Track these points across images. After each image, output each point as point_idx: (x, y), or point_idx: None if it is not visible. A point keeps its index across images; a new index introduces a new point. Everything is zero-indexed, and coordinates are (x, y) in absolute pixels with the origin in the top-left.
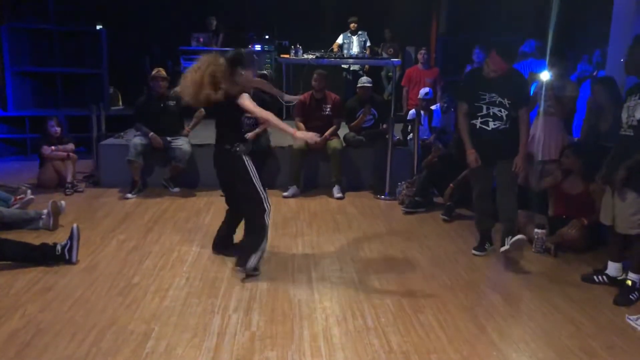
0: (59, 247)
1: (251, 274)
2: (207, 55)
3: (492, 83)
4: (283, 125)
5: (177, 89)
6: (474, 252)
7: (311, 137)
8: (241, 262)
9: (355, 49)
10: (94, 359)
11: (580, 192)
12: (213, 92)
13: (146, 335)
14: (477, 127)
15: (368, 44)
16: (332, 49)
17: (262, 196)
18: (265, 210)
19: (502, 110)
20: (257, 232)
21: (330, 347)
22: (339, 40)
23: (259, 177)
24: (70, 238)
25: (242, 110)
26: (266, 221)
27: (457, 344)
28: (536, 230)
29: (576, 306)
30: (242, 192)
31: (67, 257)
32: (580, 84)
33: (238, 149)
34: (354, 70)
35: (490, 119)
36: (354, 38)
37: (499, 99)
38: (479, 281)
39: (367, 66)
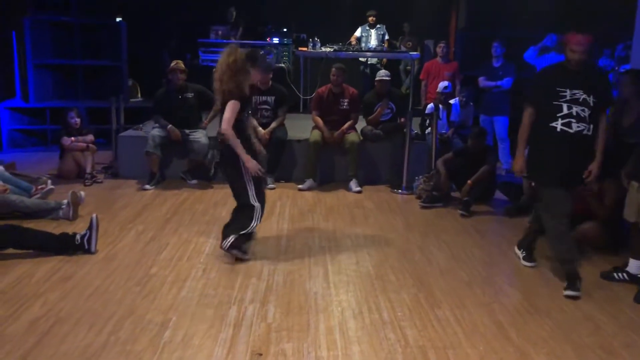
0: (78, 237)
1: (235, 254)
2: (229, 46)
3: (574, 77)
4: (239, 149)
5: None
6: (565, 292)
7: (255, 171)
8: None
9: (373, 42)
10: (112, 348)
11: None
12: (224, 79)
13: (163, 325)
14: (558, 129)
15: (386, 37)
16: (350, 42)
17: (250, 194)
18: (254, 207)
19: (586, 110)
20: (242, 222)
21: (346, 341)
22: (357, 33)
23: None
24: (90, 228)
25: (243, 107)
26: (253, 217)
27: (473, 340)
28: None
29: (595, 304)
30: (233, 186)
31: (86, 246)
32: None
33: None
34: (371, 64)
35: (574, 120)
36: (372, 31)
37: (584, 96)
38: (497, 277)
39: (384, 59)
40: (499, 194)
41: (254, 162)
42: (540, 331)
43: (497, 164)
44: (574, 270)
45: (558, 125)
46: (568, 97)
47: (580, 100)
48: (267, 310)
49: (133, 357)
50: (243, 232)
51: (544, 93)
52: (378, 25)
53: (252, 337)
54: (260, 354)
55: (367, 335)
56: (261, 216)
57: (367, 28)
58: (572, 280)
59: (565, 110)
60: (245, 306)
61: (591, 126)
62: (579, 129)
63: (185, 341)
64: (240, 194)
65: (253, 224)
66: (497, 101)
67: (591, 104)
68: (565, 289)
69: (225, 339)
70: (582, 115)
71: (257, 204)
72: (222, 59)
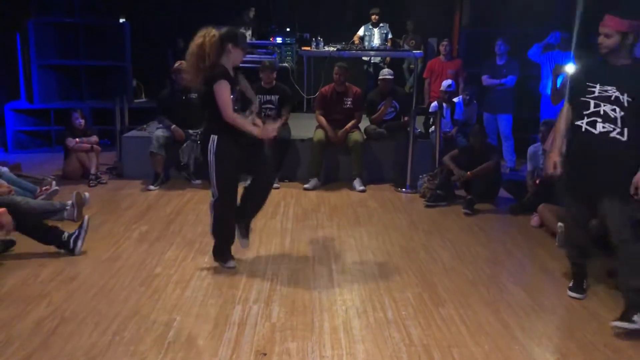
0: (66, 234)
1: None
2: (201, 30)
3: (609, 72)
4: (249, 127)
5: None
6: (569, 293)
7: (269, 132)
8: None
9: (376, 41)
10: (117, 348)
11: None
12: (201, 64)
13: (168, 325)
14: (583, 129)
15: (390, 36)
16: (353, 41)
17: (215, 191)
18: (222, 204)
19: (617, 110)
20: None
21: (351, 340)
22: (360, 32)
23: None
24: (80, 227)
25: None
26: (222, 214)
27: (478, 338)
28: (560, 224)
29: (601, 302)
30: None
31: (71, 245)
32: None
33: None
34: (374, 63)
35: (599, 120)
36: (375, 30)
37: (616, 93)
38: (502, 275)
39: (388, 58)
40: (503, 192)
41: (263, 127)
42: (546, 329)
43: (501, 162)
44: (580, 270)
45: (583, 124)
46: (597, 94)
47: (612, 98)
48: (272, 309)
49: (137, 356)
50: (223, 239)
51: (577, 89)
52: (381, 24)
53: (257, 337)
54: (265, 354)
55: (372, 334)
56: (228, 216)
57: (370, 27)
58: (577, 281)
59: (592, 108)
60: (250, 306)
61: (626, 130)
62: (605, 130)
63: (190, 341)
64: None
65: (223, 230)
66: (501, 99)
67: (625, 103)
68: (569, 288)
69: (230, 339)
70: (611, 116)
71: (222, 200)
72: (192, 44)
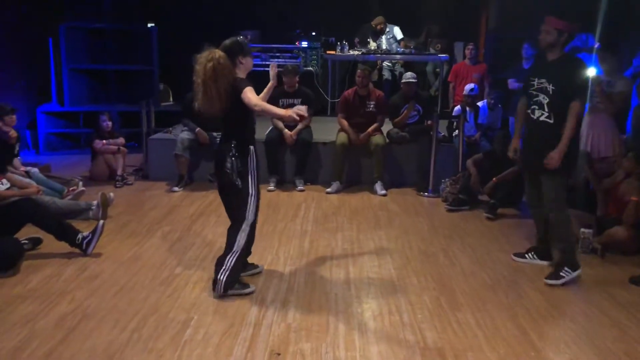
0: (80, 236)
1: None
2: (201, 55)
3: (543, 67)
4: (275, 111)
5: (196, 104)
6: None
7: (293, 114)
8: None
9: (384, 47)
10: (135, 345)
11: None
12: (219, 89)
13: (185, 323)
14: (528, 116)
15: (399, 37)
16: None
17: (250, 214)
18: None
19: (545, 97)
20: (232, 242)
21: (365, 341)
22: (371, 45)
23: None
24: (93, 232)
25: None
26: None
27: (494, 343)
28: (582, 229)
29: (623, 309)
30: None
31: (83, 247)
32: (636, 79)
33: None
34: (389, 68)
35: (537, 107)
36: (383, 37)
37: (545, 84)
38: (521, 281)
39: (401, 61)
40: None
41: (294, 107)
42: (564, 336)
43: None
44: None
45: (529, 111)
46: (535, 86)
47: (543, 89)
48: (288, 310)
49: (155, 354)
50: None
51: (525, 82)
52: (387, 29)
53: (272, 337)
54: (279, 354)
55: (386, 336)
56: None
57: (378, 35)
58: (557, 268)
59: (533, 98)
60: (266, 306)
61: (552, 115)
62: (538, 115)
63: (206, 339)
64: (239, 207)
65: (242, 241)
66: None
67: (550, 92)
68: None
69: (245, 338)
70: (543, 102)
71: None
72: (201, 69)
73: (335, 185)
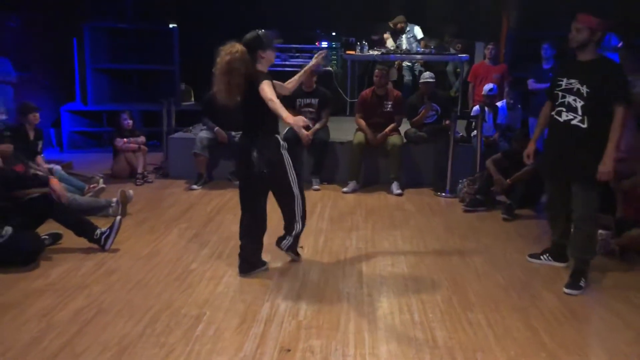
0: (98, 232)
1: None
2: (222, 48)
3: (575, 67)
4: (285, 114)
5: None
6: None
7: (299, 122)
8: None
9: (405, 47)
10: (148, 339)
11: None
12: (232, 82)
13: (197, 319)
14: (553, 119)
15: (419, 36)
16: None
17: (297, 190)
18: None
19: (578, 100)
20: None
21: (375, 340)
22: (389, 44)
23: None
24: (111, 228)
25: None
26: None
27: (504, 344)
28: (600, 231)
29: (638, 312)
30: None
31: (102, 242)
32: None
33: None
34: (409, 69)
35: (564, 109)
36: (403, 37)
37: (578, 85)
38: (535, 282)
39: (420, 61)
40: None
41: (297, 117)
42: (576, 337)
43: None
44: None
45: (553, 113)
46: (563, 86)
47: (574, 90)
48: (299, 307)
49: (166, 348)
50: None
51: (552, 82)
52: (408, 29)
53: (282, 334)
54: (289, 350)
55: (396, 335)
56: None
57: (398, 34)
58: (575, 278)
59: (559, 99)
60: (278, 303)
61: (586, 119)
62: (568, 118)
63: (217, 335)
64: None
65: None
66: None
67: (584, 94)
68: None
69: (256, 335)
70: (573, 105)
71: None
72: (221, 62)
73: (352, 184)
